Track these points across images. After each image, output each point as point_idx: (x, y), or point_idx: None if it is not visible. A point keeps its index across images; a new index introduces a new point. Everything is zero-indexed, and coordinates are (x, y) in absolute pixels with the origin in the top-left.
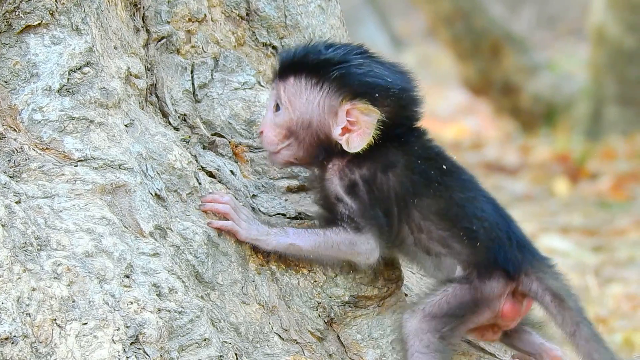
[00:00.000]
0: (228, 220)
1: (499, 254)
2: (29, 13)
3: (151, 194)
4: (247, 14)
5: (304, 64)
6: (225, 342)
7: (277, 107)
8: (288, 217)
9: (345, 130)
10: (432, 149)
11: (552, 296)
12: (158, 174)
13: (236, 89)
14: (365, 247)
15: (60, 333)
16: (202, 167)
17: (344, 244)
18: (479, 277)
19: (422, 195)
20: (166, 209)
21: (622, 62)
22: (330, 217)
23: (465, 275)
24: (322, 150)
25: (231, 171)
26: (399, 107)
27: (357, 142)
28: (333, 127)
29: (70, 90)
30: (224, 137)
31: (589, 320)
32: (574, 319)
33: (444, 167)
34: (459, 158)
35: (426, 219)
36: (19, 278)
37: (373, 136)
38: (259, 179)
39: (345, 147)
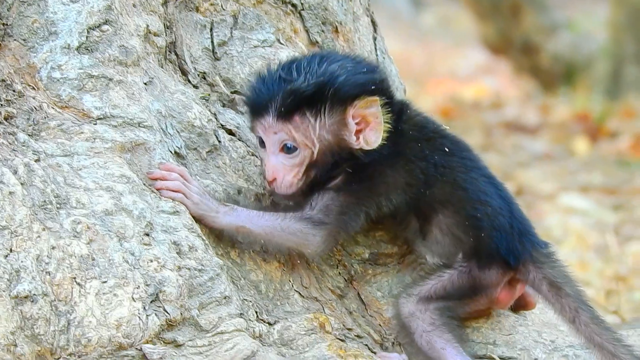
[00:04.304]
0: (179, 192)
1: (502, 244)
2: None
3: (171, 152)
4: None
5: (300, 99)
6: (246, 299)
7: (289, 149)
8: None
9: (358, 132)
10: (426, 127)
11: (549, 285)
12: (177, 132)
13: (255, 46)
14: (317, 241)
15: (80, 291)
16: (222, 125)
17: (300, 232)
18: (478, 266)
19: (433, 184)
20: (186, 166)
21: None
22: (301, 204)
23: (465, 262)
24: (343, 163)
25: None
26: (385, 87)
27: (373, 136)
28: (348, 137)
29: (89, 48)
30: (243, 95)
31: (588, 305)
32: (572, 305)
33: (446, 148)
34: (479, 118)
35: (432, 207)
36: (39, 236)
37: (387, 122)
38: None
39: (365, 147)
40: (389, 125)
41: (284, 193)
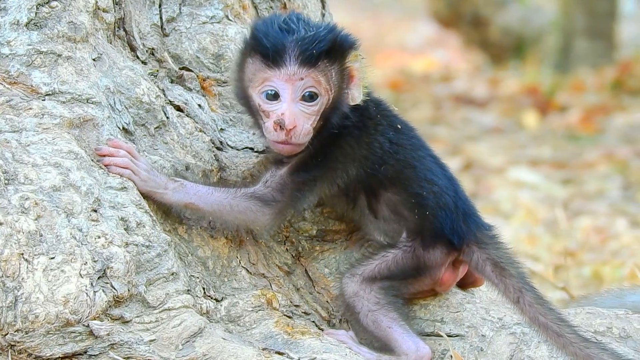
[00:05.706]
0: (127, 169)
1: (446, 223)
2: None
3: (119, 128)
4: None
5: (322, 45)
6: (193, 276)
7: (310, 97)
8: (256, 151)
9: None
10: (380, 104)
11: (493, 266)
12: (126, 107)
13: (204, 22)
14: (267, 219)
15: (27, 267)
16: (170, 101)
17: (250, 210)
18: (423, 246)
19: (387, 160)
20: (134, 142)
21: None
22: (256, 178)
23: (409, 242)
24: (337, 117)
25: (199, 105)
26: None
27: (357, 92)
28: (345, 89)
29: (38, 24)
30: (191, 71)
31: (532, 285)
32: (516, 286)
33: (399, 125)
34: (428, 91)
35: (382, 183)
36: None
37: (365, 79)
38: (226, 112)
39: (351, 102)
40: (367, 83)
41: (301, 142)
